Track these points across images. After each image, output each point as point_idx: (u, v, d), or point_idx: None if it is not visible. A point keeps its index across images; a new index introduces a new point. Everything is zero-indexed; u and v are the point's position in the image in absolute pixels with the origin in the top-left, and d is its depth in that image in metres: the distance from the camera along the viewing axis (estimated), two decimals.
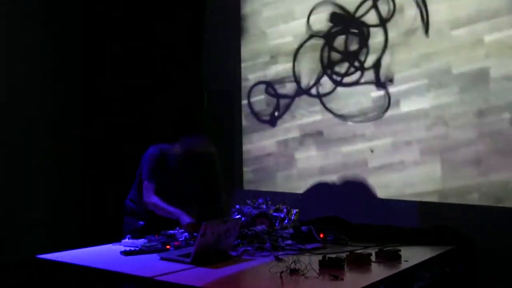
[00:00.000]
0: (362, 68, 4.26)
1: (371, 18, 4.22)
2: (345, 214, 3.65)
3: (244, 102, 4.89)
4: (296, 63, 4.58)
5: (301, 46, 4.54)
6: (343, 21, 4.33)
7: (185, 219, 3.34)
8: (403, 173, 4.05)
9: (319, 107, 4.46)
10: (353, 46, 4.31)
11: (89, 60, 5.53)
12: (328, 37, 4.42)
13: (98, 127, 5.44)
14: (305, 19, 4.51)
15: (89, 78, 5.53)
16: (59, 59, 5.40)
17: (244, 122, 4.89)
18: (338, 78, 4.38)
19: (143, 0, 5.22)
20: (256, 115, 4.82)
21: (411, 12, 4.01)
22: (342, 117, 4.34)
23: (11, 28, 5.06)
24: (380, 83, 4.16)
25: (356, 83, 4.29)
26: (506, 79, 3.62)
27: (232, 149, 4.92)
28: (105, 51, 5.41)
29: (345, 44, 4.35)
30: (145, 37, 5.20)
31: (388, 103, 4.13)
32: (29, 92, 5.17)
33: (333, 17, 4.38)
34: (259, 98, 4.81)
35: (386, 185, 4.12)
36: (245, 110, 4.89)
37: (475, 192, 3.73)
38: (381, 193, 4.15)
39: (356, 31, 4.28)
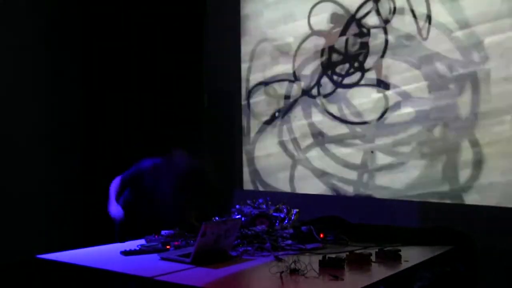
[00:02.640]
0: (362, 69, 4.24)
1: (372, 19, 4.20)
2: (345, 214, 3.65)
3: (244, 102, 4.89)
4: (296, 64, 4.58)
5: (300, 46, 4.55)
6: (344, 22, 4.31)
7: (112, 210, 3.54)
8: (403, 174, 4.03)
9: (319, 108, 4.46)
10: (354, 47, 4.29)
11: (89, 60, 5.52)
12: (328, 38, 4.41)
13: (98, 127, 5.43)
14: (305, 20, 4.51)
15: (89, 78, 5.52)
16: (59, 59, 5.39)
17: (244, 122, 4.89)
18: (339, 79, 4.37)
19: (144, 0, 5.22)
20: (256, 115, 4.83)
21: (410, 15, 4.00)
22: (342, 119, 4.34)
23: (10, 28, 5.06)
24: (380, 85, 4.15)
25: (356, 84, 4.28)
26: (506, 80, 3.60)
27: (232, 149, 4.92)
28: (105, 51, 5.40)
29: (345, 45, 4.34)
30: (145, 37, 5.20)
31: (388, 104, 4.11)
32: (29, 92, 5.17)
33: (334, 18, 4.37)
34: (260, 99, 4.81)
35: (386, 187, 4.10)
36: (245, 111, 4.89)
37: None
38: (381, 195, 4.13)
39: (356, 32, 4.28)
